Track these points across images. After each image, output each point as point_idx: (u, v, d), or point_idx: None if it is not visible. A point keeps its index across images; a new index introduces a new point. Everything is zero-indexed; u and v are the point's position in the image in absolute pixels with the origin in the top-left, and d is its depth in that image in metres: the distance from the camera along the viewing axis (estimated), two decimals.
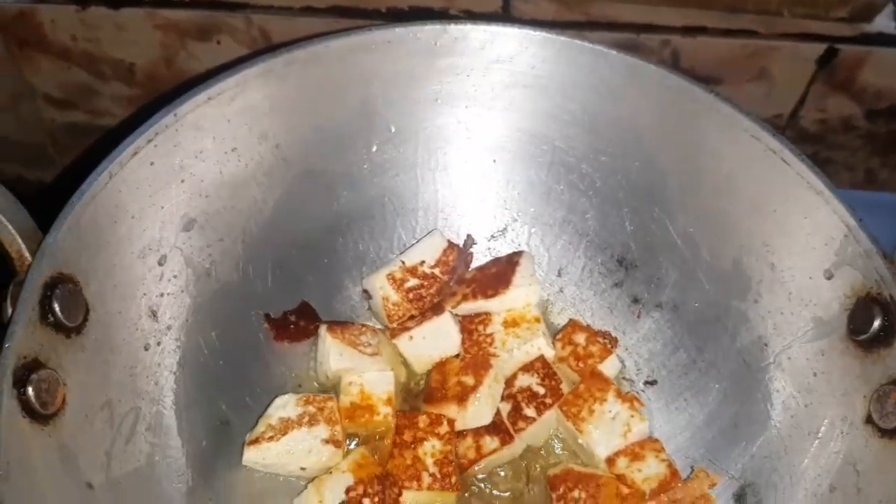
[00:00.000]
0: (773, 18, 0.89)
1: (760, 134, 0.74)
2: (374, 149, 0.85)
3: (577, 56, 0.79)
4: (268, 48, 0.89)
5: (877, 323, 0.68)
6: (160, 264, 0.74)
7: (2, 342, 0.61)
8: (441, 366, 0.83)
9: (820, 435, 0.71)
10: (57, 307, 0.63)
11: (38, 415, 0.61)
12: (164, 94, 0.99)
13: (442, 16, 0.88)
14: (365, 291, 0.88)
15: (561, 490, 0.76)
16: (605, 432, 0.79)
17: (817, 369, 0.73)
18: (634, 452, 0.78)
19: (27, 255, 0.64)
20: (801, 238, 0.74)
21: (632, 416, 0.79)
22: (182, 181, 0.74)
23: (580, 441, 0.80)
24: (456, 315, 0.86)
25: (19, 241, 0.65)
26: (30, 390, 0.60)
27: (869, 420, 0.67)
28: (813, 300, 0.74)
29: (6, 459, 0.57)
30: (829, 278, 0.72)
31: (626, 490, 0.76)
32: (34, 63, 0.97)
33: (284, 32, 0.92)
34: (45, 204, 0.67)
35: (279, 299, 0.85)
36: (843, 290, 0.71)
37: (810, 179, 0.72)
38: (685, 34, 0.90)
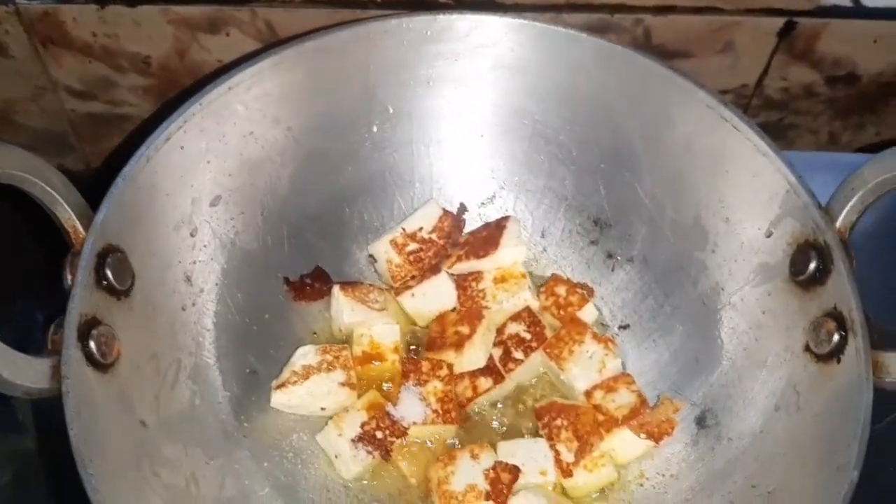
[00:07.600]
0: None
1: (714, 104, 0.81)
2: (374, 128, 0.90)
3: (552, 40, 0.86)
4: (276, 42, 0.95)
5: (812, 265, 0.75)
6: (192, 235, 0.81)
7: (65, 305, 0.67)
8: (440, 318, 0.90)
9: (767, 364, 0.79)
10: (109, 273, 0.70)
11: (99, 364, 0.67)
12: (184, 88, 1.03)
13: (432, 4, 0.92)
14: (371, 256, 0.93)
15: (546, 419, 0.84)
16: (583, 369, 0.86)
17: (765, 308, 0.81)
18: (609, 386, 0.85)
19: (81, 229, 0.70)
20: (750, 194, 0.80)
21: (606, 355, 0.86)
22: (208, 162, 0.80)
23: (562, 378, 0.87)
24: (452, 274, 0.92)
25: (74, 217, 0.71)
26: (91, 343, 0.67)
27: (807, 348, 0.75)
28: (761, 248, 0.81)
29: (76, 402, 0.63)
30: (773, 229, 0.79)
31: (601, 417, 0.83)
32: (57, 58, 1.00)
33: (287, 23, 0.95)
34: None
35: (296, 264, 0.90)
36: (785, 238, 0.78)
37: (757, 143, 0.79)
38: (656, 13, 0.94)
